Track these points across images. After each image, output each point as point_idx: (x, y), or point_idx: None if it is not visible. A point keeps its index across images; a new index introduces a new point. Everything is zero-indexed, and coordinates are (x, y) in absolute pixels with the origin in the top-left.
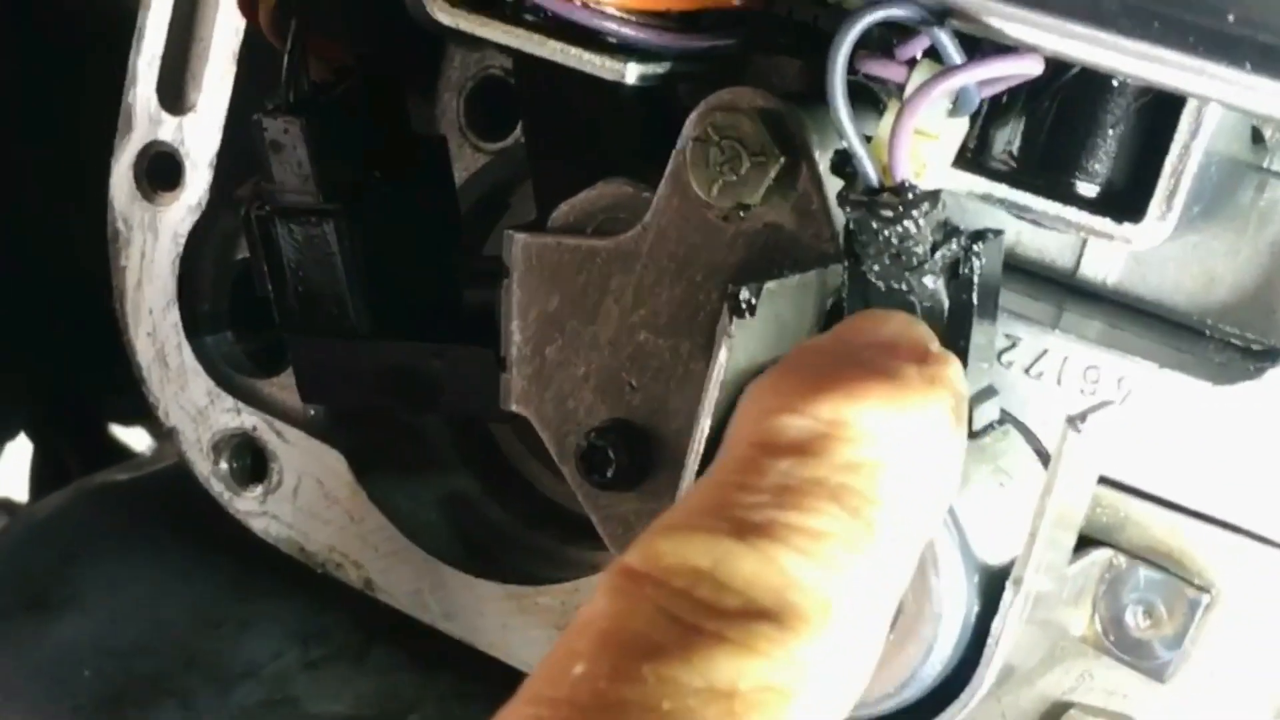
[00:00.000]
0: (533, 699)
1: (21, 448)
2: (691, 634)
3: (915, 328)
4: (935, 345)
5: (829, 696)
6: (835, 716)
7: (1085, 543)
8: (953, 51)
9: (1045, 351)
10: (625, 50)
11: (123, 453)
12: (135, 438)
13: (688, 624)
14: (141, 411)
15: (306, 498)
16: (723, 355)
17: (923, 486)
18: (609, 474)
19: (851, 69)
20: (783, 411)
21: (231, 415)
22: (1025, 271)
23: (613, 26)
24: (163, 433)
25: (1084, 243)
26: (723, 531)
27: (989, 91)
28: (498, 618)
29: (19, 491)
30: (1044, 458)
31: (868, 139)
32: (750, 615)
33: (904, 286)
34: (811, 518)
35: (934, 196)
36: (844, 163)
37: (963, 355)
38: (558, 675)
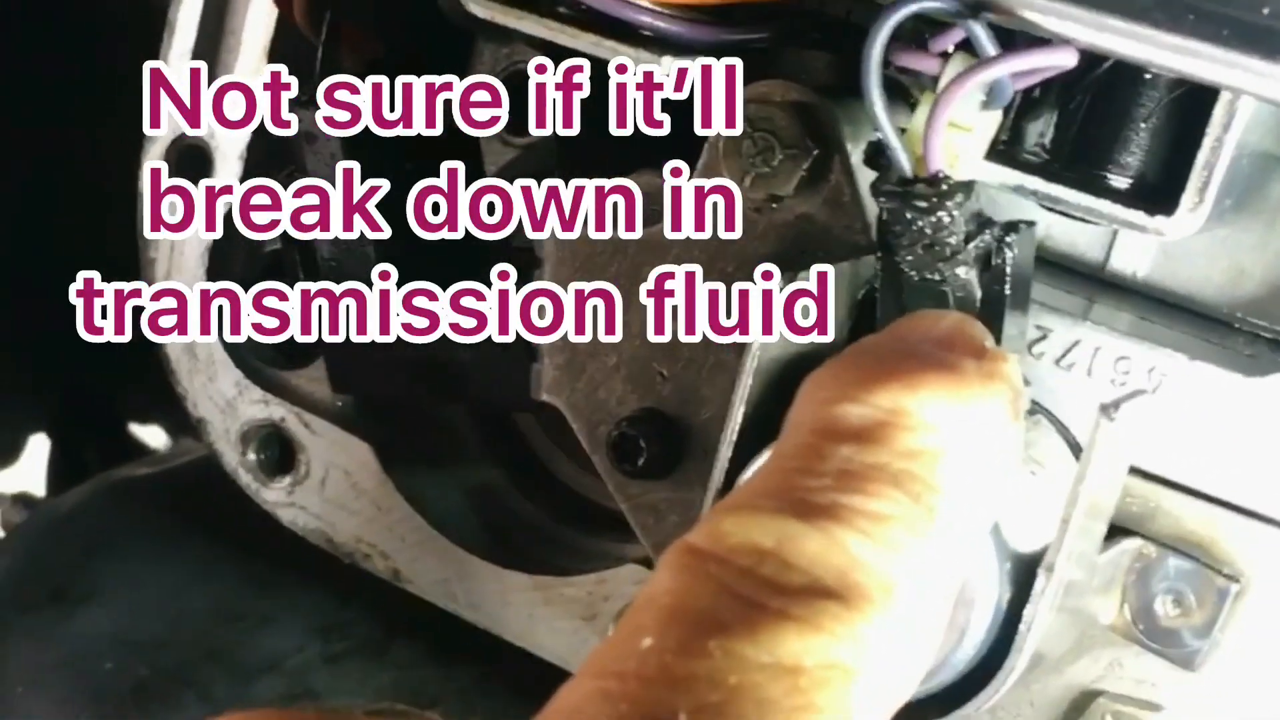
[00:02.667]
0: (598, 673)
1: (40, 443)
2: (756, 611)
3: (971, 325)
4: (991, 342)
5: (892, 677)
6: (898, 698)
7: (1115, 532)
8: (987, 44)
9: (1077, 343)
10: (659, 43)
11: (140, 449)
12: (152, 435)
13: (753, 601)
14: (159, 408)
15: (334, 489)
16: (755, 345)
17: (981, 477)
18: (640, 463)
19: (885, 63)
20: (843, 400)
21: (260, 407)
22: (1055, 264)
23: (647, 20)
24: (182, 428)
25: (1114, 236)
26: (786, 512)
27: (1023, 84)
28: (524, 608)
29: (38, 487)
30: (1074, 448)
31: (902, 131)
32: (815, 593)
33: (937, 277)
34: (874, 501)
35: (968, 187)
36: (877, 154)
37: None
38: (624, 650)
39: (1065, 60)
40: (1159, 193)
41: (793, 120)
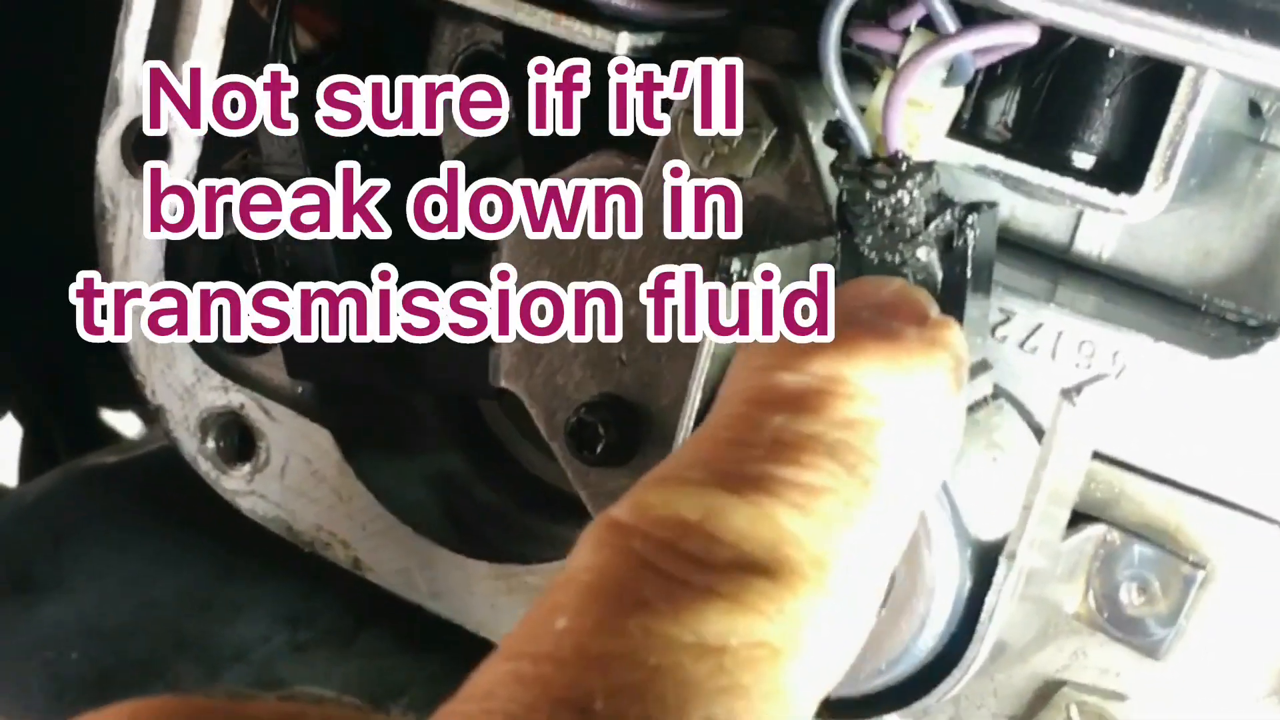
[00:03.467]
0: (513, 654)
1: (10, 430)
2: (679, 588)
3: (913, 292)
4: (935, 310)
5: (823, 658)
6: (829, 680)
7: (1079, 519)
8: (947, 19)
9: (1040, 326)
10: (617, 21)
11: (113, 437)
12: (126, 422)
13: (675, 577)
14: (132, 395)
15: (294, 476)
16: None
17: (921, 448)
18: (598, 450)
19: (845, 40)
20: (778, 368)
21: (219, 393)
22: (1020, 246)
23: None
24: (152, 415)
25: (1079, 217)
26: (714, 484)
27: (984, 61)
28: (486, 597)
29: (7, 475)
30: (1038, 433)
31: (861, 110)
32: (742, 569)
33: (897, 259)
34: (807, 473)
35: (928, 167)
36: (837, 133)
37: None
38: (539, 630)
39: (1026, 37)
40: (1123, 172)
41: (752, 99)
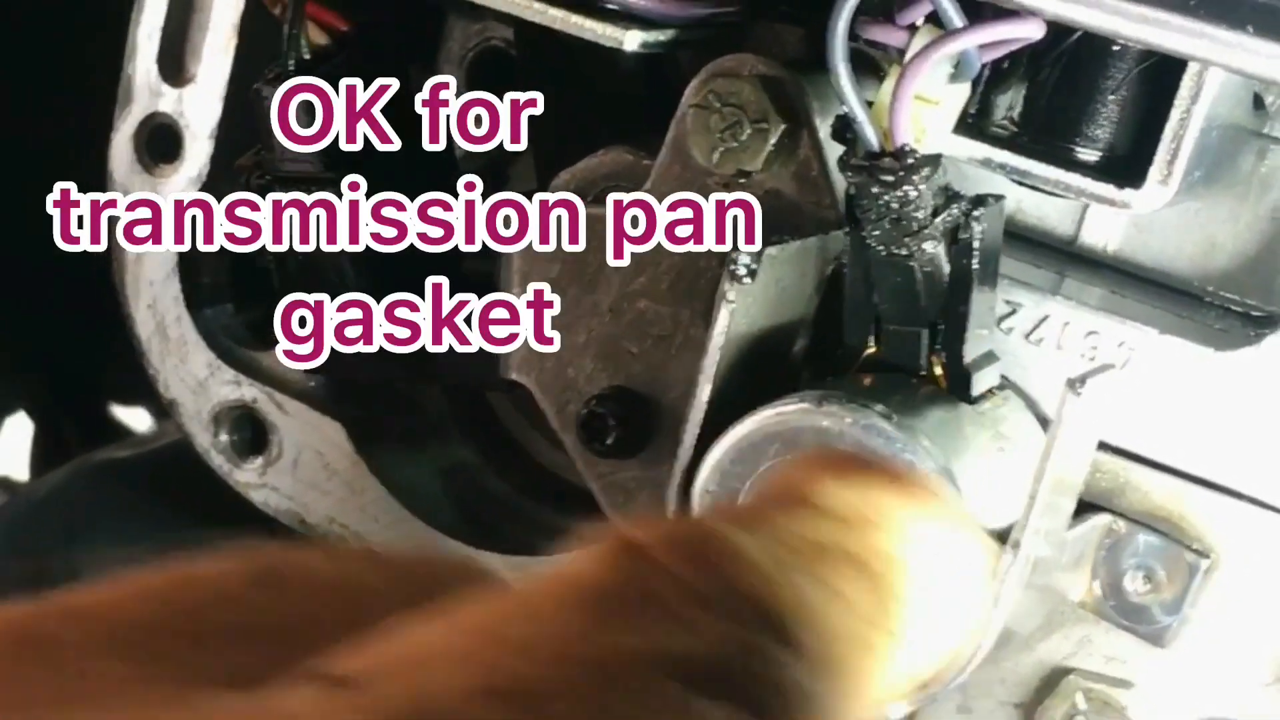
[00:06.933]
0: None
1: (21, 425)
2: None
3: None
4: None
5: None
6: None
7: (1085, 508)
8: (953, 15)
9: (1046, 317)
10: (627, 17)
11: (124, 432)
12: (136, 417)
13: (674, 610)
14: (143, 390)
15: (307, 470)
16: (722, 320)
17: (941, 579)
18: (609, 441)
19: (852, 36)
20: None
21: (232, 387)
22: (1025, 239)
23: None
24: (163, 409)
25: (1084, 209)
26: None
27: (990, 56)
28: None
29: (19, 469)
30: (1044, 424)
31: (869, 105)
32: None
33: (904, 252)
34: (827, 570)
35: (935, 161)
36: (844, 128)
37: (963, 321)
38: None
39: (1032, 31)
40: (1128, 165)
41: (760, 94)
